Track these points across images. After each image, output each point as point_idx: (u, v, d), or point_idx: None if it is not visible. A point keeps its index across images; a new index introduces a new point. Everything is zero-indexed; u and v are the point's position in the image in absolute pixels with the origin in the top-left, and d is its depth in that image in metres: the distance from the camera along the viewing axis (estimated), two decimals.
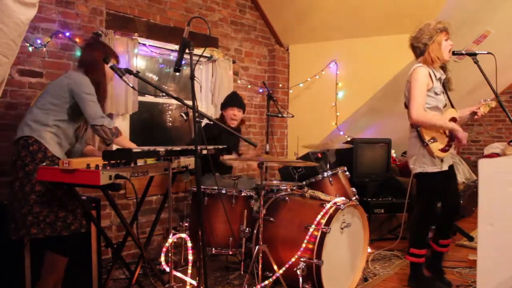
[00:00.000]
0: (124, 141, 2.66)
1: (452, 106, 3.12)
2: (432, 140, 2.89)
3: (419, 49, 2.99)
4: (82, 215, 2.50)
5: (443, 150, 2.94)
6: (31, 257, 2.61)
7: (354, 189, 3.64)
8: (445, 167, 2.95)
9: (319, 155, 4.09)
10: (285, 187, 3.25)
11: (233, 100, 3.80)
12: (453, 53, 2.98)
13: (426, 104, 2.94)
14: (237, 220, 3.07)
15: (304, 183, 3.42)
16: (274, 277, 2.76)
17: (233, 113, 3.73)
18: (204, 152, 2.56)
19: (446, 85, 3.10)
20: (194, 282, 2.46)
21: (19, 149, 2.43)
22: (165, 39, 4.02)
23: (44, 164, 2.39)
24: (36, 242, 2.51)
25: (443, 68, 3.08)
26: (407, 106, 3.01)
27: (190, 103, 2.20)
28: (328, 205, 2.86)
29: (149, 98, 4.04)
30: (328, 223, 2.74)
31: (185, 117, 2.39)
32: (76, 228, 2.46)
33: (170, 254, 2.31)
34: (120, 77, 2.47)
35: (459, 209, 3.09)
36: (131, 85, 2.56)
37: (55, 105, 2.50)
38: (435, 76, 2.96)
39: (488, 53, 2.85)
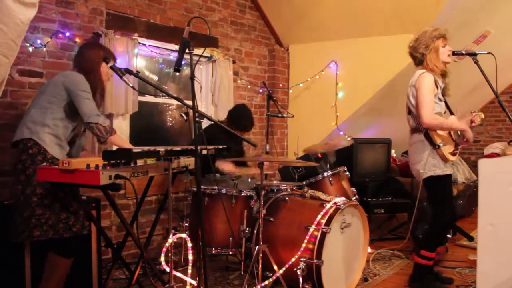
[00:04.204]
0: (118, 140, 2.65)
1: (451, 113, 3.12)
2: (442, 144, 2.90)
3: (417, 59, 3.01)
4: (84, 217, 2.50)
5: (452, 153, 2.97)
6: (31, 258, 2.61)
7: (354, 189, 3.64)
8: (452, 170, 2.99)
9: (319, 155, 4.09)
10: (285, 187, 3.24)
11: (250, 126, 3.85)
12: (453, 53, 2.98)
13: None
14: (237, 220, 3.07)
15: (304, 183, 3.42)
16: (274, 277, 2.76)
17: (241, 134, 3.75)
18: (204, 152, 2.56)
19: (444, 92, 3.10)
20: (194, 282, 2.46)
21: (19, 152, 2.42)
22: (165, 39, 4.02)
23: (44, 164, 2.38)
24: (39, 244, 2.50)
25: (443, 75, 3.08)
26: (410, 112, 3.01)
27: (190, 103, 2.20)
28: (328, 205, 2.86)
29: (149, 98, 4.04)
30: (328, 223, 2.74)
31: (185, 117, 2.39)
32: (78, 230, 2.45)
33: (170, 254, 2.31)
34: (120, 77, 2.48)
35: (455, 219, 3.11)
36: (131, 85, 2.56)
37: (51, 103, 2.48)
38: (438, 83, 2.97)
39: (488, 53, 2.85)
